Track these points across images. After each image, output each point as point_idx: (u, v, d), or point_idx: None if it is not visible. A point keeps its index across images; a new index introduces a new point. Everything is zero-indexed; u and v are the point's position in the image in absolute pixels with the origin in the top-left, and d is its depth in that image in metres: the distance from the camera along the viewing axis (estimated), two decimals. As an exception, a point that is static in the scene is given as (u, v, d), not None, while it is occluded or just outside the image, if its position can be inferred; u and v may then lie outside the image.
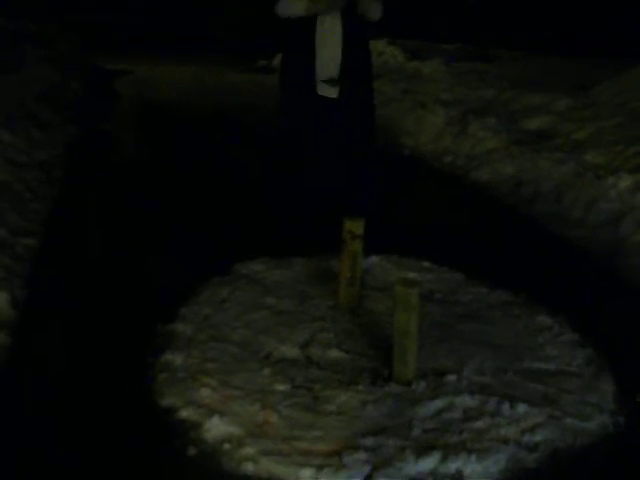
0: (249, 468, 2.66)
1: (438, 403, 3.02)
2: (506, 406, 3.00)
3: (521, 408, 2.99)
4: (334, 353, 3.39)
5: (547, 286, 4.22)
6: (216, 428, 2.81)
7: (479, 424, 2.90)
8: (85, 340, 3.52)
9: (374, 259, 4.35)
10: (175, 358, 3.27)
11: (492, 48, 11.03)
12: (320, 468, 2.63)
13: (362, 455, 2.68)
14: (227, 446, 2.74)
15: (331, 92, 4.76)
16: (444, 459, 2.70)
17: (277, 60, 14.26)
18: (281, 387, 3.09)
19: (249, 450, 2.71)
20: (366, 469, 2.63)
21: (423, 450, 2.73)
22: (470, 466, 2.69)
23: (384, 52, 11.60)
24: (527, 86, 8.22)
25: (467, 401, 3.03)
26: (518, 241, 5.10)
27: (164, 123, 8.86)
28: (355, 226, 3.76)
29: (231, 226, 5.11)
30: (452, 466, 2.69)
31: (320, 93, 4.69)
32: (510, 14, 11.08)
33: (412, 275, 4.17)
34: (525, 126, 6.98)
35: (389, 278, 4.13)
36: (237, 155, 7.15)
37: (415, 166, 7.07)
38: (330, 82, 4.67)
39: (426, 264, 4.42)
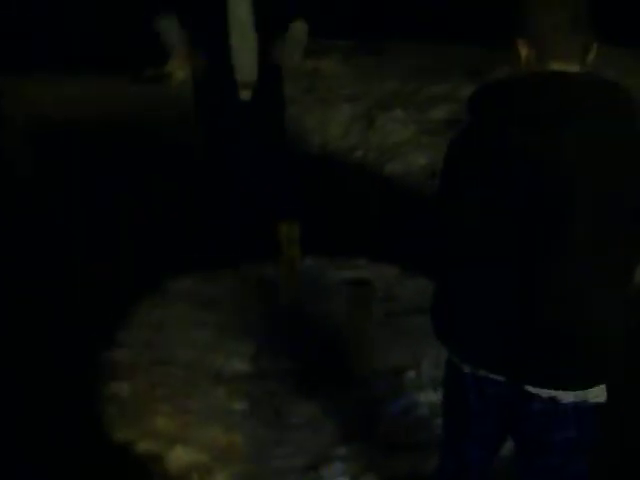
0: (222, 495, 2.52)
1: (402, 402, 2.96)
2: (470, 397, 2.96)
3: (484, 397, 2.96)
4: (286, 363, 3.28)
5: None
6: (180, 458, 2.66)
7: (447, 418, 2.85)
8: (16, 376, 3.25)
9: (309, 261, 4.25)
10: (122, 387, 3.08)
11: (384, 41, 11.09)
12: (298, 485, 2.52)
13: (338, 466, 2.60)
14: (195, 476, 2.59)
15: (244, 95, 4.63)
16: (419, 458, 2.64)
17: (166, 68, 13.95)
18: (239, 405, 2.96)
19: (219, 477, 2.58)
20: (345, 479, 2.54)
21: (397, 451, 2.67)
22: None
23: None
24: (427, 76, 8.30)
25: (431, 397, 2.98)
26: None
27: (55, 140, 8.41)
28: (291, 230, 3.67)
29: (151, 241, 4.88)
30: (430, 463, 2.62)
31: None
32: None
33: (349, 274, 4.09)
34: (432, 116, 7.04)
35: (326, 279, 4.05)
36: (144, 168, 6.88)
37: (325, 163, 6.98)
38: (244, 85, 4.55)
39: (360, 261, 4.35)
